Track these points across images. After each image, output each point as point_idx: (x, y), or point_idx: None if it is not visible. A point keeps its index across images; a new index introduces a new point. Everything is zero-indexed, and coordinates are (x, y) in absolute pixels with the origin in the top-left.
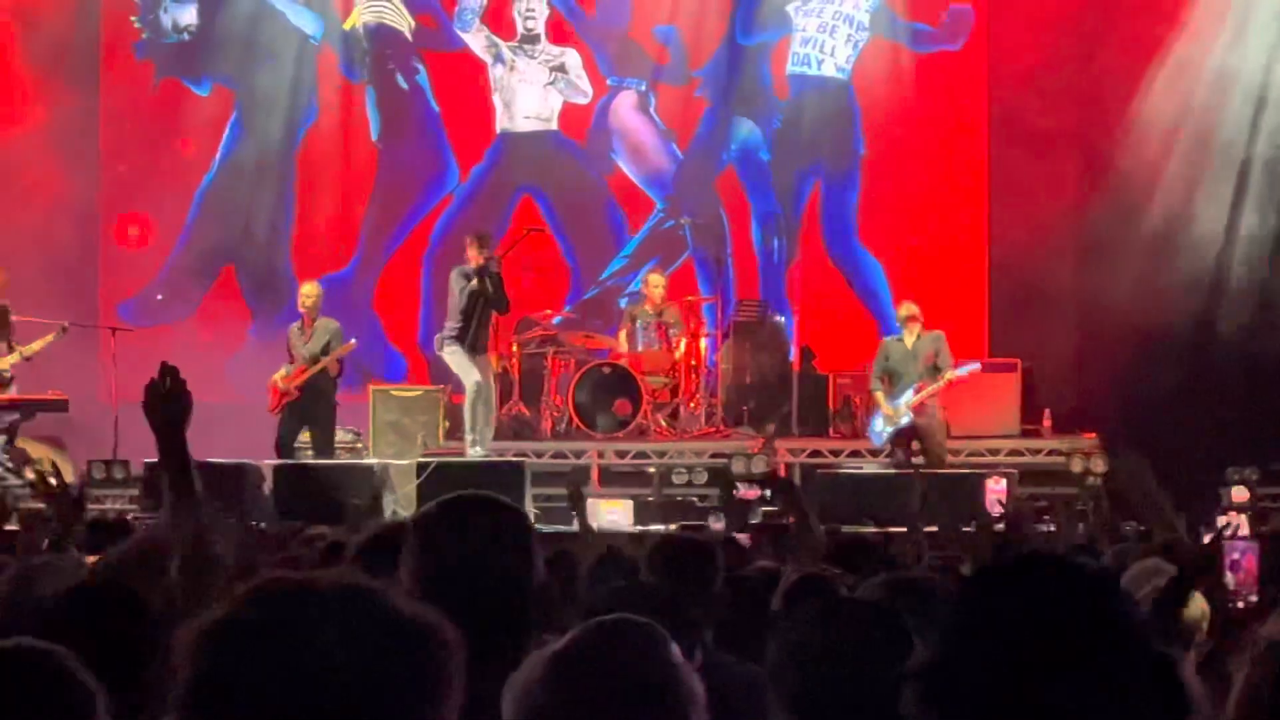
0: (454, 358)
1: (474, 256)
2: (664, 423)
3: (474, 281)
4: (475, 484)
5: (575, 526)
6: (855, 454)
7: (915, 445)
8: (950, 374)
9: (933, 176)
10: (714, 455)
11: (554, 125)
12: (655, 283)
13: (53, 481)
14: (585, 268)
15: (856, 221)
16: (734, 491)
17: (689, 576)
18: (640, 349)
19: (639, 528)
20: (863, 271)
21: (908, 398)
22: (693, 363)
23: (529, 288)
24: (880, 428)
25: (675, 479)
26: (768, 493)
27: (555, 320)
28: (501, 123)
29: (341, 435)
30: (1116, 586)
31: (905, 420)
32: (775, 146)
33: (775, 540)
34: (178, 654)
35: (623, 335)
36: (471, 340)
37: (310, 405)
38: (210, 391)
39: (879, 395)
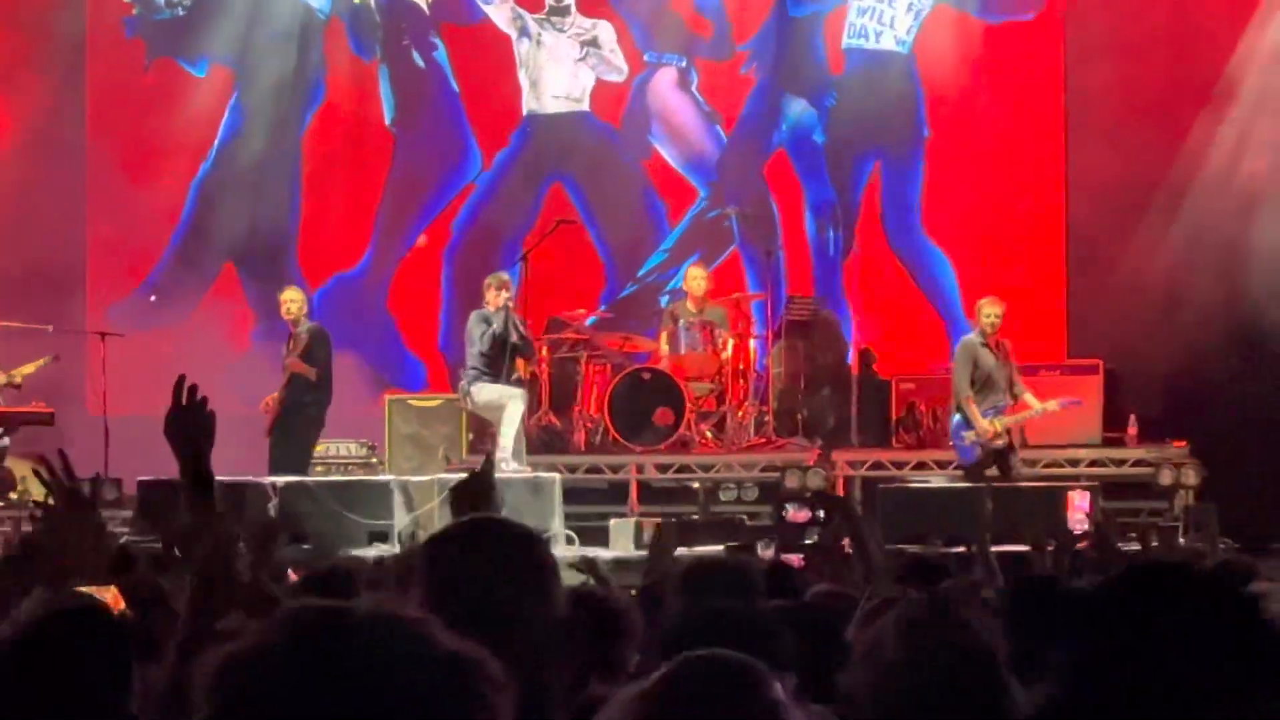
0: (488, 394)
1: (493, 300)
2: (709, 434)
3: (494, 326)
4: (502, 503)
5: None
6: (921, 466)
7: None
8: (1054, 405)
9: (1004, 159)
10: (765, 469)
11: (586, 106)
12: (698, 278)
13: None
14: (621, 263)
15: (921, 209)
16: (782, 513)
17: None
18: (683, 352)
19: (681, 550)
20: (928, 265)
21: (1002, 417)
22: (740, 367)
23: (560, 285)
24: (971, 443)
25: (723, 496)
26: (820, 514)
27: (589, 321)
28: (528, 104)
29: (355, 449)
30: (1257, 601)
31: (1001, 442)
32: (830, 127)
33: (831, 562)
34: (200, 683)
35: (663, 337)
36: (505, 376)
37: (292, 417)
38: (209, 402)
39: (973, 406)
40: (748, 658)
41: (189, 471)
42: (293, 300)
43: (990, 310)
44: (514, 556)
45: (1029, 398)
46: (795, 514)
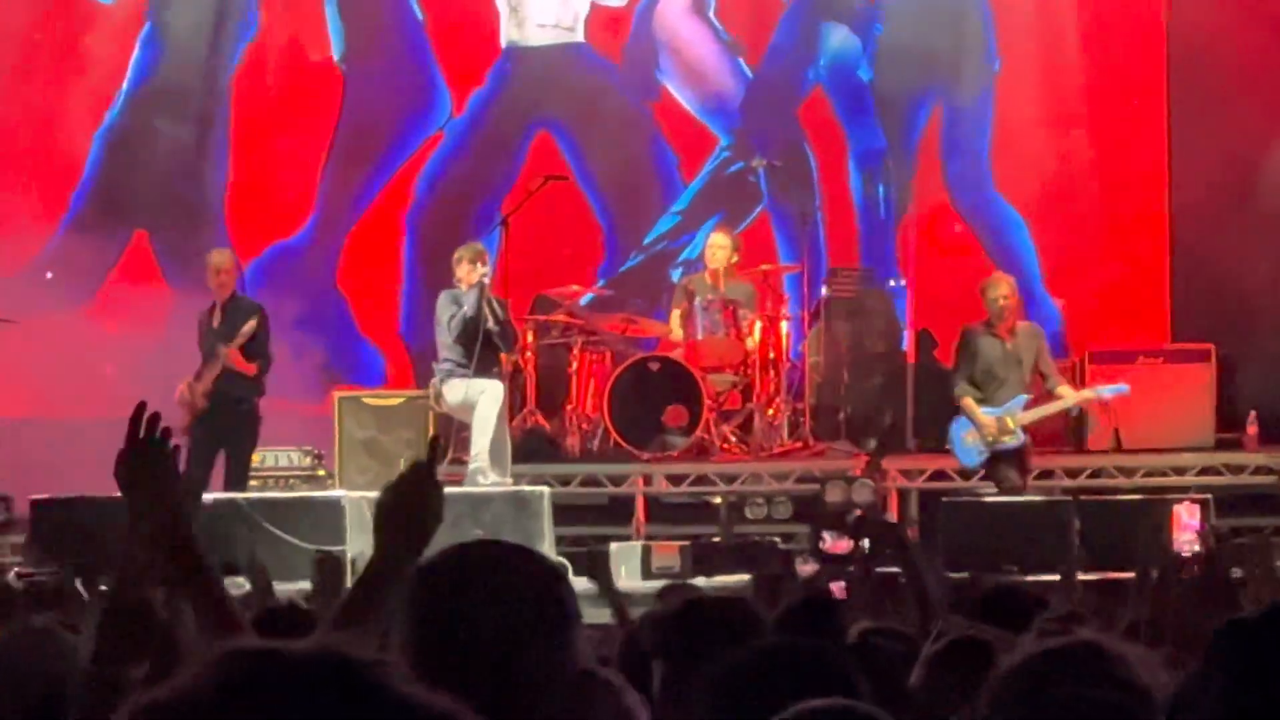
0: (460, 392)
1: (465, 276)
2: (732, 437)
3: (466, 309)
4: (477, 521)
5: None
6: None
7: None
8: (1091, 394)
9: (1092, 95)
10: (800, 481)
11: (579, 36)
12: (719, 246)
13: None
14: (623, 228)
15: (990, 161)
16: (819, 542)
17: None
18: (700, 337)
19: (700, 579)
20: (1000, 227)
21: (1017, 412)
22: (770, 355)
23: (548, 256)
24: (972, 443)
25: (749, 513)
26: (865, 543)
27: (584, 299)
28: (508, 33)
29: (297, 458)
30: None
31: (1013, 442)
32: (879, 61)
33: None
34: None
35: (675, 318)
36: (480, 367)
37: (222, 417)
38: (119, 403)
39: (969, 401)
40: (870, 709)
41: (145, 530)
42: (225, 268)
43: (994, 293)
44: (524, 594)
45: (1063, 389)
46: (834, 544)
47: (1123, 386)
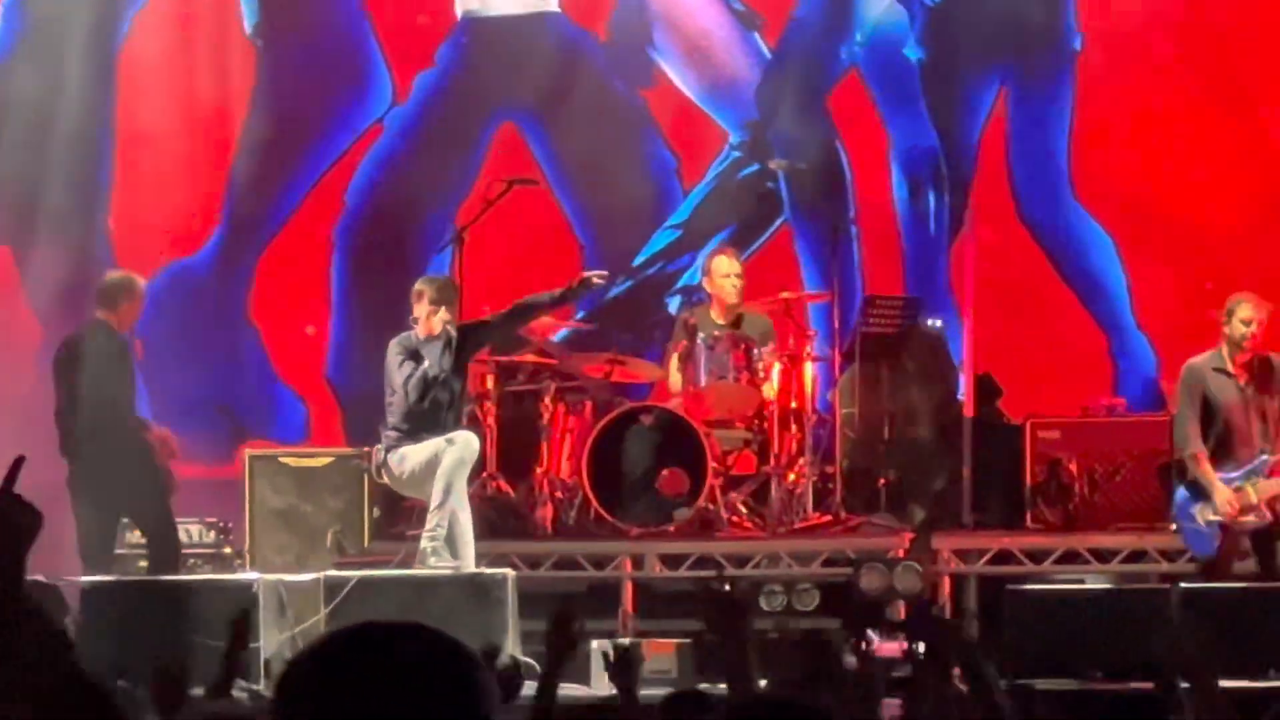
0: (416, 459)
1: (425, 320)
2: (744, 509)
3: (426, 365)
4: (423, 613)
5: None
6: (1072, 558)
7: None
8: None
9: (1201, 82)
10: (829, 563)
11: (553, 4)
12: (727, 271)
13: None
14: (608, 246)
15: (1070, 163)
16: (864, 647)
17: None
18: (703, 383)
19: (703, 686)
20: (1081, 247)
21: (1259, 479)
22: (793, 406)
23: (513, 279)
24: (1208, 519)
25: (765, 604)
26: (920, 647)
27: (559, 335)
28: (465, 1)
29: (199, 533)
30: None
31: (1257, 517)
32: (929, 36)
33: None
34: None
35: (673, 360)
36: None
37: (126, 482)
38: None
39: (1205, 466)
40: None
41: None
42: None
43: (1245, 313)
44: (427, 686)
45: None
46: (882, 645)
47: None
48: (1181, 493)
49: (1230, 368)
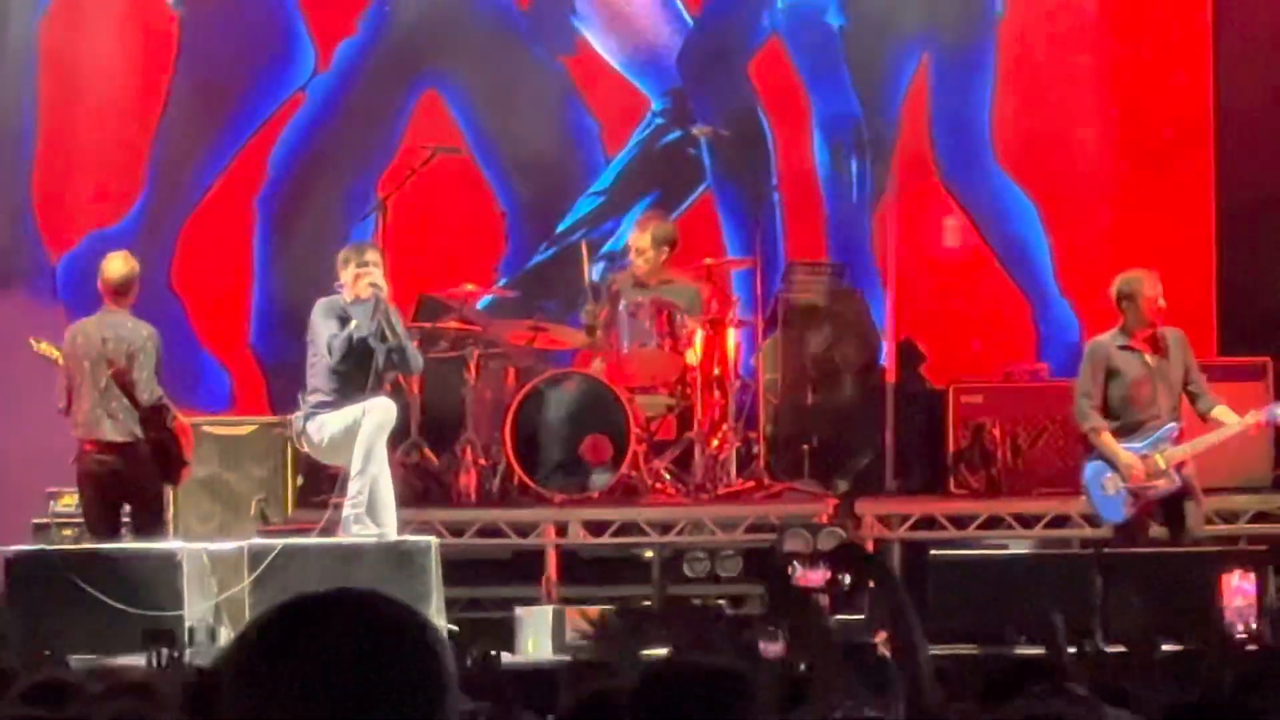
0: (335, 425)
1: (352, 285)
2: (667, 475)
3: (354, 325)
4: (347, 580)
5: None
6: (995, 523)
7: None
8: (1260, 416)
9: (1120, 49)
10: (753, 529)
11: None
12: (633, 244)
13: None
14: (531, 213)
15: (991, 129)
16: (786, 577)
17: None
18: (626, 349)
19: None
20: (1003, 213)
21: (1167, 446)
22: (716, 372)
23: (436, 247)
24: (1114, 491)
25: (689, 570)
26: (846, 578)
27: (481, 302)
28: None
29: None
30: None
31: (1167, 485)
32: (851, 3)
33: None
34: None
35: (597, 326)
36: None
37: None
38: None
39: (1106, 437)
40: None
41: None
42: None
43: (1150, 289)
44: (382, 650)
45: (1221, 411)
46: (805, 575)
47: None
48: (1090, 464)
49: (1133, 343)
